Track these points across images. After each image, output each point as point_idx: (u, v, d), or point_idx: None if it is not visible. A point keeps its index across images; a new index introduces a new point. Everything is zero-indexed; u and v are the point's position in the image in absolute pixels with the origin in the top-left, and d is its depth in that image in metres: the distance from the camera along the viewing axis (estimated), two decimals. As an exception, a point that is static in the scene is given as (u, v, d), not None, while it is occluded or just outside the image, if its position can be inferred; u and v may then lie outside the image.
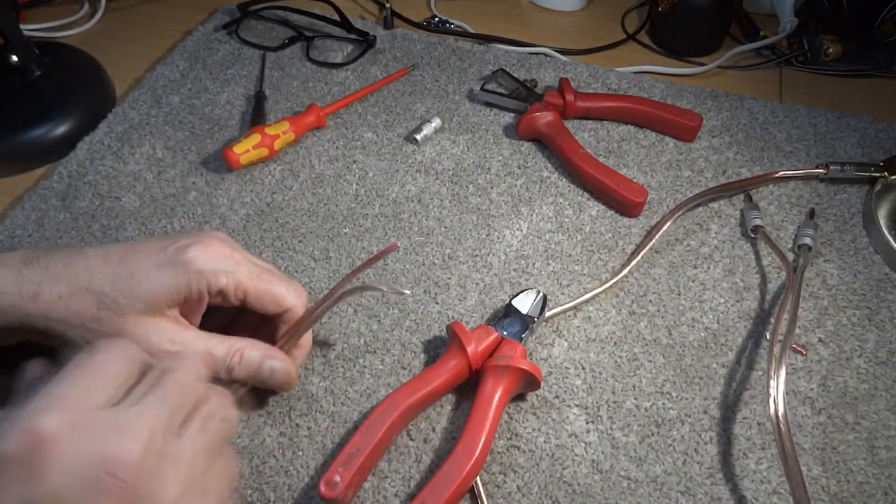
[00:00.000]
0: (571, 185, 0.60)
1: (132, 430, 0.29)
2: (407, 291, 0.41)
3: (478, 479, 0.42)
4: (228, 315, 0.46)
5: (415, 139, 0.63)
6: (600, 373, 0.48)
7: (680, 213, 0.57)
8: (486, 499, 0.42)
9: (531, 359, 0.49)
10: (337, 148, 0.63)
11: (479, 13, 0.81)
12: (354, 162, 0.62)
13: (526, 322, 0.48)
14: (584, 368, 0.48)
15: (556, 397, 0.47)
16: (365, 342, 0.49)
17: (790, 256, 0.55)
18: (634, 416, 0.46)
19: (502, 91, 0.67)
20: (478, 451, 0.41)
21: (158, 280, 0.38)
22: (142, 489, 0.28)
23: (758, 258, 0.55)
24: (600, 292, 0.52)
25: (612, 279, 0.52)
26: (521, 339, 0.47)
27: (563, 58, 0.73)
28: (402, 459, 0.44)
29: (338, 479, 0.39)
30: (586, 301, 0.51)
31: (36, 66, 0.64)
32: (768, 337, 0.48)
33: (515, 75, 0.68)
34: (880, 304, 0.52)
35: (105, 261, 0.39)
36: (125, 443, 0.29)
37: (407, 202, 0.58)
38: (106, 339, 0.33)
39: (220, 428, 0.33)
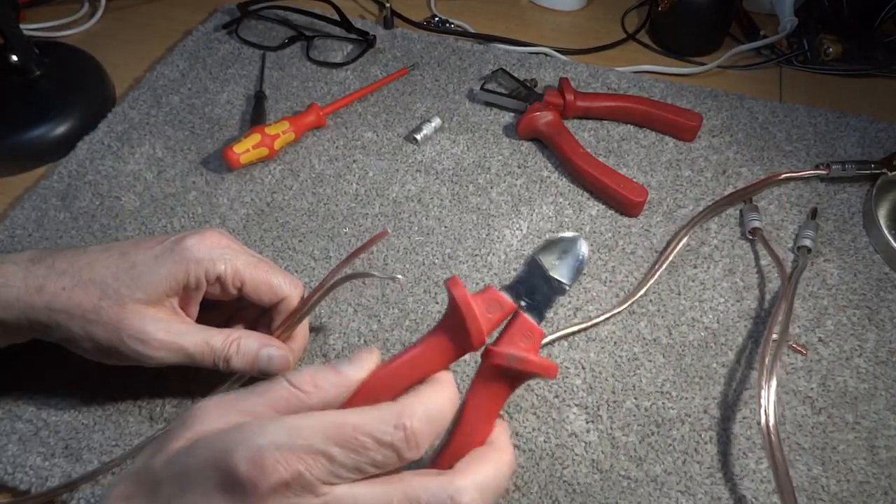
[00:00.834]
0: (571, 185, 0.60)
1: None
2: (400, 277, 0.40)
3: None
4: (227, 312, 0.47)
5: (415, 139, 0.63)
6: (600, 372, 0.48)
7: (694, 226, 0.56)
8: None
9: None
10: (337, 148, 0.63)
11: (479, 13, 0.81)
12: (354, 162, 0.62)
13: (553, 289, 0.36)
14: (584, 368, 0.48)
15: (556, 397, 0.47)
16: (365, 342, 0.49)
17: (789, 257, 0.55)
18: (634, 415, 0.46)
19: (502, 91, 0.67)
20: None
21: (158, 269, 0.39)
22: None
23: (757, 258, 0.55)
24: (617, 313, 0.51)
25: (627, 298, 0.51)
26: (541, 318, 0.36)
27: (562, 57, 0.73)
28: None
29: None
30: (602, 321, 0.50)
31: (36, 66, 0.64)
32: (761, 344, 0.48)
33: (515, 75, 0.68)
34: (880, 304, 0.52)
35: (107, 255, 0.40)
36: None
37: (407, 202, 0.58)
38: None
39: None
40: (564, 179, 0.61)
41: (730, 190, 0.60)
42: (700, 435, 0.45)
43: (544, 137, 0.62)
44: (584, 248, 0.36)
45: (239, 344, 0.41)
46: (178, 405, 0.42)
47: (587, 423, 0.46)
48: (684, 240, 0.55)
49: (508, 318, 0.36)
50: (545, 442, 0.45)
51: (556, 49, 0.74)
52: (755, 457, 0.44)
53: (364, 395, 0.33)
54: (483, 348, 0.35)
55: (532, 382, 0.47)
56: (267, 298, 0.43)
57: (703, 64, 0.73)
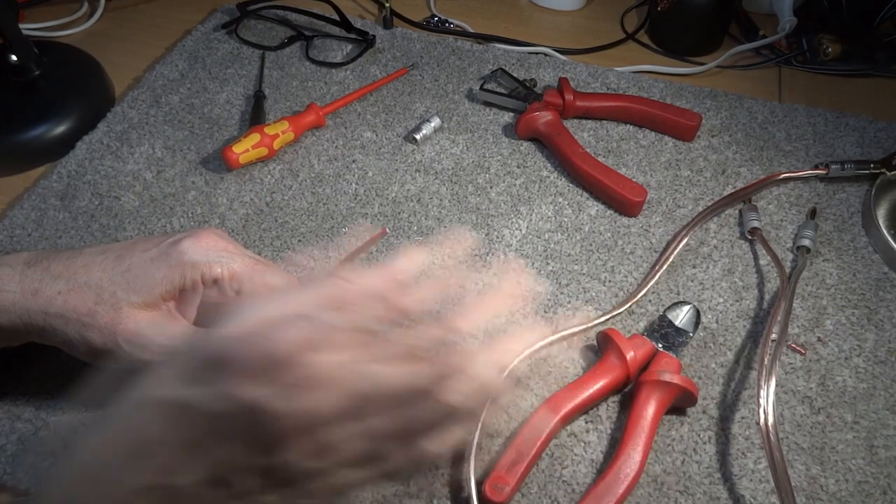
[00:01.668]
0: (571, 185, 0.60)
1: None
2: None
3: (472, 478, 0.42)
4: None
5: (414, 139, 0.63)
6: (599, 372, 0.48)
7: (693, 226, 0.56)
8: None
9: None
10: (336, 147, 0.63)
11: (479, 13, 0.81)
12: (354, 161, 0.62)
13: (680, 335, 0.48)
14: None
15: (556, 397, 0.47)
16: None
17: (789, 257, 0.55)
18: (633, 415, 0.46)
19: (502, 90, 0.67)
20: (637, 466, 0.41)
21: (153, 272, 0.39)
22: None
23: (756, 258, 0.55)
24: (617, 314, 0.51)
25: (628, 300, 0.52)
26: (676, 354, 0.47)
27: (562, 57, 0.73)
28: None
29: (504, 483, 0.40)
30: (603, 321, 0.51)
31: (35, 66, 0.64)
32: (760, 344, 0.48)
33: (515, 75, 0.68)
34: (879, 304, 0.52)
35: (103, 258, 0.40)
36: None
37: (406, 202, 0.59)
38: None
39: None
40: (564, 179, 0.61)
41: (729, 190, 0.60)
42: (699, 435, 0.45)
43: (544, 137, 0.62)
44: (695, 308, 0.49)
45: None
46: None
47: (587, 423, 0.46)
48: (684, 240, 0.56)
49: (651, 356, 0.46)
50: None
51: (556, 49, 0.74)
52: (754, 456, 0.44)
53: (546, 411, 0.43)
54: (635, 380, 0.45)
55: (530, 382, 0.47)
56: None
57: (702, 64, 0.73)
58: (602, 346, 0.48)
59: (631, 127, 0.65)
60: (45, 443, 0.44)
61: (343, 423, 0.28)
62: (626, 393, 0.47)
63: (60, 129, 0.62)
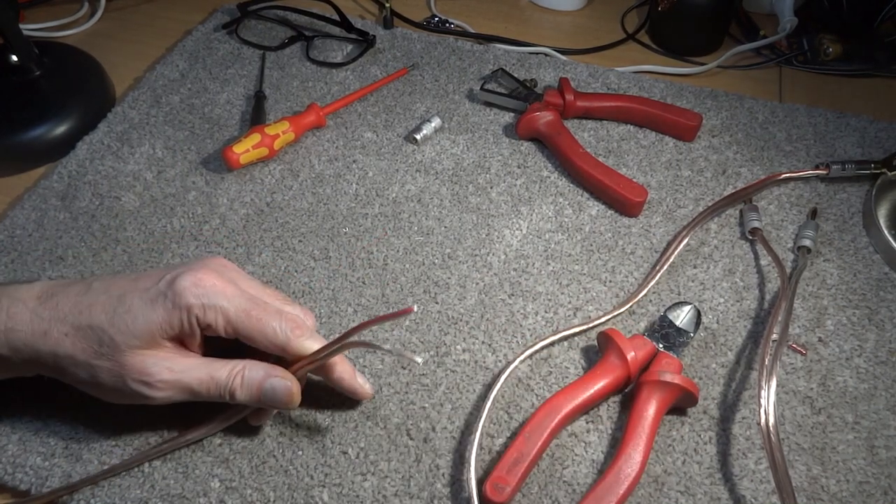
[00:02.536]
0: (571, 185, 0.60)
1: None
2: (419, 360, 0.37)
3: (473, 478, 0.42)
4: None
5: (414, 139, 0.63)
6: (600, 372, 0.48)
7: (694, 226, 0.56)
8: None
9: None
10: (337, 148, 0.63)
11: (479, 13, 0.81)
12: (354, 162, 0.62)
13: (681, 335, 0.48)
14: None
15: (556, 397, 0.47)
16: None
17: (789, 257, 0.55)
18: (634, 415, 0.46)
19: (502, 91, 0.67)
20: (638, 466, 0.41)
21: (151, 316, 0.38)
22: None
23: (757, 258, 0.55)
24: (618, 314, 0.51)
25: (629, 300, 0.51)
26: (677, 354, 0.47)
27: (562, 57, 0.73)
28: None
29: (504, 483, 0.40)
30: (603, 322, 0.51)
31: (36, 66, 0.64)
32: (760, 344, 0.48)
33: (515, 75, 0.68)
34: (880, 304, 0.52)
35: (106, 297, 0.39)
36: None
37: (407, 202, 0.59)
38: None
39: None
40: (564, 179, 0.61)
41: (730, 190, 0.60)
42: (700, 435, 0.45)
43: (544, 137, 0.62)
44: (696, 308, 0.49)
45: (243, 375, 0.40)
46: (178, 406, 0.42)
47: (587, 423, 0.46)
48: (685, 240, 0.55)
49: (652, 356, 0.46)
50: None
51: (556, 49, 0.74)
52: (755, 457, 0.44)
53: (547, 411, 0.43)
54: (636, 380, 0.45)
55: (531, 382, 0.47)
56: (263, 346, 0.40)
57: (702, 64, 0.73)
58: (603, 347, 0.48)
59: (631, 127, 0.65)
60: (45, 443, 0.44)
61: None
62: (627, 393, 0.47)
63: (61, 130, 0.62)
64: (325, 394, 0.46)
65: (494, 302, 0.52)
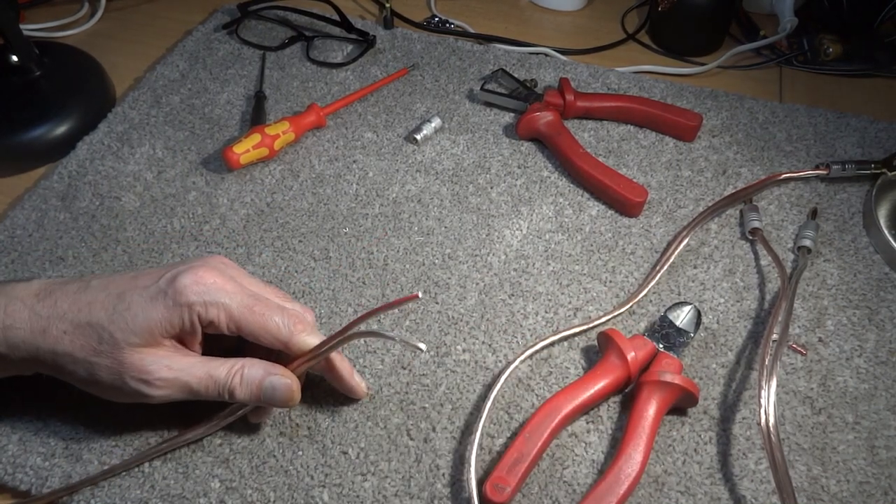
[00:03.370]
0: (571, 185, 0.60)
1: None
2: (423, 346, 0.37)
3: (473, 478, 0.42)
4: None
5: (415, 139, 0.63)
6: (600, 373, 0.48)
7: (694, 226, 0.56)
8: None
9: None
10: (337, 148, 0.63)
11: (479, 13, 0.81)
12: (354, 162, 0.62)
13: (681, 336, 0.48)
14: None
15: (556, 397, 0.47)
16: (365, 342, 0.49)
17: (789, 257, 0.55)
18: (634, 415, 0.46)
19: (502, 91, 0.67)
20: (638, 466, 0.41)
21: (151, 314, 0.38)
22: None
23: (757, 258, 0.55)
24: (618, 314, 0.51)
25: (629, 300, 0.51)
26: (677, 354, 0.47)
27: (563, 58, 0.73)
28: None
29: (505, 484, 0.40)
30: (603, 322, 0.51)
31: (36, 66, 0.64)
32: (761, 345, 0.48)
33: (515, 75, 0.68)
34: (880, 304, 0.52)
35: (105, 295, 0.39)
36: None
37: (407, 202, 0.59)
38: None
39: None
40: (564, 180, 0.61)
41: (730, 190, 0.60)
42: (700, 435, 0.45)
43: (544, 138, 0.62)
44: (696, 308, 0.49)
45: (242, 374, 0.40)
46: (178, 405, 0.42)
47: (587, 423, 0.46)
48: (685, 240, 0.55)
49: (652, 356, 0.46)
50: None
51: (556, 49, 0.74)
52: (755, 457, 0.44)
53: (547, 411, 0.43)
54: (636, 380, 0.45)
55: (531, 382, 0.47)
56: (266, 342, 0.41)
57: (703, 64, 0.73)
58: (603, 347, 0.48)
59: (632, 127, 0.65)
60: (45, 443, 0.44)
61: None
62: (627, 393, 0.47)
63: (61, 130, 0.62)
64: (325, 394, 0.46)
65: (495, 302, 0.52)
